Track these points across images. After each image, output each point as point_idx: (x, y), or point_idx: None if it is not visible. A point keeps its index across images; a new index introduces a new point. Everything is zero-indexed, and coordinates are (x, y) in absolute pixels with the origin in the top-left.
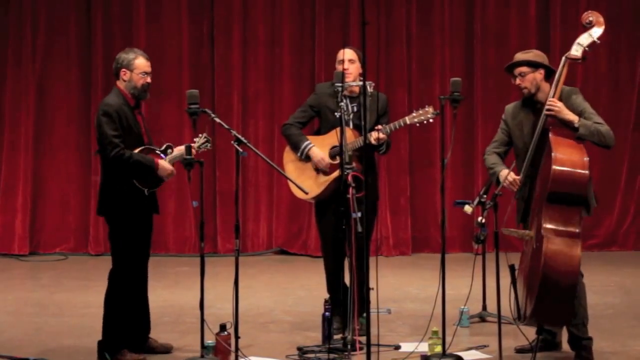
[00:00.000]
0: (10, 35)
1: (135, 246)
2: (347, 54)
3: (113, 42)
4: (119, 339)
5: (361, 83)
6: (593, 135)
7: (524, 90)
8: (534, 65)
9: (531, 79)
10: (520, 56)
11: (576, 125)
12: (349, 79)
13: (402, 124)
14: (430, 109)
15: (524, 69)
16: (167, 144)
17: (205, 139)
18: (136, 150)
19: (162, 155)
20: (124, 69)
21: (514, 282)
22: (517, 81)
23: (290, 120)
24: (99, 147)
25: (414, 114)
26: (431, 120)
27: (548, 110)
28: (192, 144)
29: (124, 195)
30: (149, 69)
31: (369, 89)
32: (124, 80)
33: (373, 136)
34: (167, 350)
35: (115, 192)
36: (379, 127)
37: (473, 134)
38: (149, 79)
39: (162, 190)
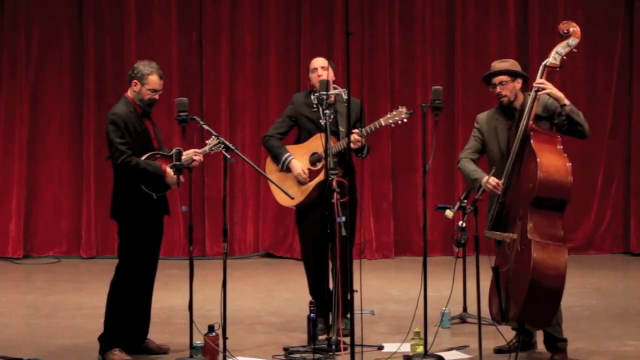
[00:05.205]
0: (5, 46)
1: (143, 248)
2: (321, 62)
3: (104, 52)
4: (114, 338)
5: (337, 91)
6: (579, 115)
7: (504, 98)
8: (514, 74)
9: (511, 87)
10: (499, 65)
11: (566, 102)
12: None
13: (377, 125)
14: (403, 109)
15: (504, 77)
16: (177, 148)
17: (217, 141)
18: (144, 157)
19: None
20: (135, 80)
21: (497, 284)
22: (498, 89)
23: (270, 132)
24: (109, 154)
25: (388, 115)
26: (405, 120)
27: (540, 89)
28: (192, 151)
29: (133, 198)
30: (159, 87)
31: (343, 96)
32: (134, 91)
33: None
34: (163, 351)
35: (125, 196)
36: (355, 130)
37: (454, 141)
38: (156, 96)
39: None
